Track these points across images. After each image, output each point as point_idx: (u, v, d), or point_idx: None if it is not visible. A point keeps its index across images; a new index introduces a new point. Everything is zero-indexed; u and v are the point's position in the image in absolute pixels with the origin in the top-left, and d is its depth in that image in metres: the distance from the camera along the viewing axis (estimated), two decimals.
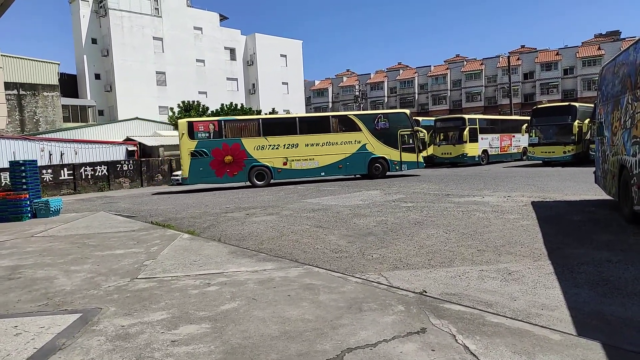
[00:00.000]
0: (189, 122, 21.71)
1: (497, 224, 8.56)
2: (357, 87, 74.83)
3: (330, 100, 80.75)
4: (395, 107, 75.00)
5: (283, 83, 58.99)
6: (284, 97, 57.99)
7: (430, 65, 75.04)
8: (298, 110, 53.72)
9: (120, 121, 39.36)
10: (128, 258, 7.04)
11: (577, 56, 62.04)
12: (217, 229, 9.88)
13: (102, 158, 29.99)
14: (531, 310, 4.16)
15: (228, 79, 54.92)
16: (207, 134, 21.43)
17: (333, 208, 12.13)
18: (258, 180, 21.81)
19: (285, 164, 21.91)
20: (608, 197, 10.22)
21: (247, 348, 3.50)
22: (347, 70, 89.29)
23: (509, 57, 47.30)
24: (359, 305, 4.37)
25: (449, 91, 71.59)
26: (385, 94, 76.35)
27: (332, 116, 24.05)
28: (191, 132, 21.23)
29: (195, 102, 41.48)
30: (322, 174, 22.39)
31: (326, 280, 5.29)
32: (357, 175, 23.51)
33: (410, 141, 22.88)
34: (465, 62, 72.92)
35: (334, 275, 5.53)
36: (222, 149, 21.34)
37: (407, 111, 24.48)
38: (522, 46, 74.08)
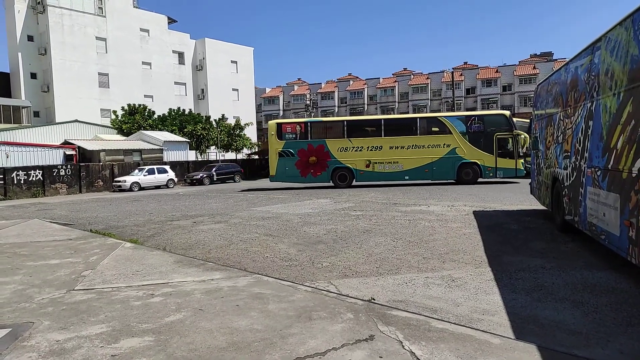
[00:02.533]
0: (278, 123, 22.65)
1: (442, 232, 8.87)
2: (308, 95, 75.34)
3: (281, 108, 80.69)
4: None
5: (233, 89, 58.26)
6: (234, 104, 57.25)
7: (379, 78, 76.96)
8: (248, 117, 53.14)
9: (58, 123, 37.26)
10: (64, 268, 6.63)
11: (515, 74, 65.90)
12: (162, 237, 9.54)
13: (37, 162, 28.19)
14: (473, 316, 4.33)
15: (176, 83, 53.51)
16: (293, 135, 22.12)
17: (283, 216, 12.08)
18: (340, 182, 21.95)
19: (368, 166, 21.77)
20: (543, 207, 10.87)
21: None
22: (299, 79, 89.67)
23: (452, 72, 49.44)
24: (309, 314, 4.36)
25: (397, 103, 73.66)
26: (336, 104, 77.37)
27: (420, 118, 22.88)
28: (280, 133, 22.17)
29: (141, 106, 40.08)
30: (407, 177, 21.74)
31: (276, 289, 5.24)
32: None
33: (509, 146, 21.37)
34: (412, 76, 75.42)
35: (284, 284, 5.49)
36: (307, 150, 21.88)
37: (507, 113, 22.61)
38: (465, 62, 77.69)
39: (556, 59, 65.78)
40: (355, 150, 21.73)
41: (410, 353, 3.44)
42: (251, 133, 51.06)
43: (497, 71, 68.12)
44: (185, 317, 4.35)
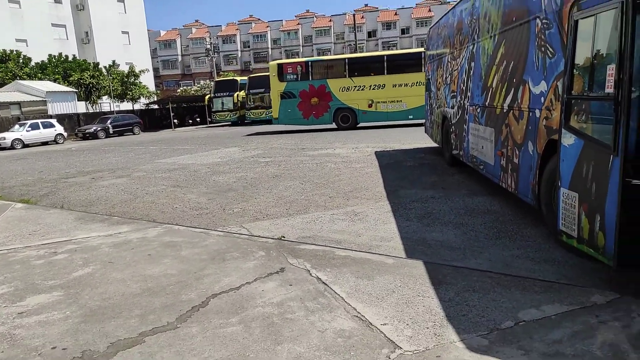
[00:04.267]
0: (278, 64, 21.69)
1: (346, 172, 9.40)
2: (208, 39, 71.30)
3: (179, 52, 75.73)
4: (249, 62, 73.88)
5: (123, 32, 53.06)
6: (125, 48, 52.36)
7: (282, 20, 74.97)
8: (142, 63, 49.16)
9: None
10: None
11: (412, 17, 68.07)
12: (58, 196, 8.94)
13: None
14: (372, 243, 4.83)
15: (54, 25, 47.23)
16: (294, 76, 21.07)
17: (190, 167, 11.85)
18: (343, 123, 20.95)
19: (370, 105, 20.65)
20: (435, 145, 11.89)
21: (108, 308, 3.45)
22: (196, 21, 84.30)
23: (354, 15, 49.78)
24: (222, 256, 4.55)
25: (301, 47, 72.79)
26: (239, 48, 74.44)
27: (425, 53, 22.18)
28: (280, 74, 21.21)
29: (14, 52, 35.18)
30: (410, 117, 20.44)
31: (188, 237, 5.33)
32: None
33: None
34: (315, 18, 74.54)
35: (196, 231, 5.58)
36: (309, 91, 20.84)
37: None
38: (366, 5, 78.34)
39: (449, 1, 68.86)
40: (358, 90, 20.87)
41: (317, 279, 3.82)
42: (148, 81, 47.64)
43: (396, 14, 69.75)
44: (94, 271, 4.31)
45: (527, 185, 5.04)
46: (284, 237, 5.20)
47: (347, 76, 21.16)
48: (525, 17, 5.06)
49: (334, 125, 21.79)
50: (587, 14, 3.43)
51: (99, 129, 28.98)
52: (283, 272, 4.03)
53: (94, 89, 36.17)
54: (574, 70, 3.68)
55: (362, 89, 20.93)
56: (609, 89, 3.16)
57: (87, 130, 28.78)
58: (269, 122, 32.34)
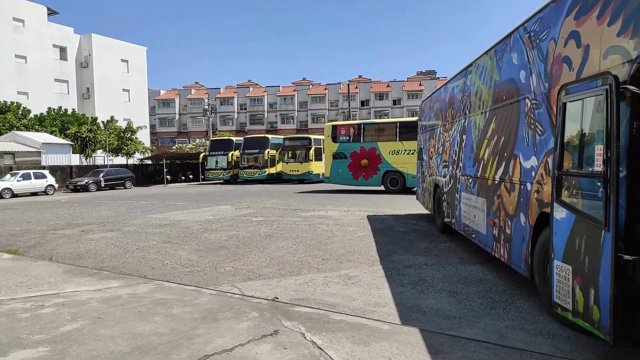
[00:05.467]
0: (333, 125, 22.53)
1: (339, 235, 9.43)
2: (206, 100, 73.47)
3: (177, 112, 77.59)
4: (245, 124, 75.72)
5: (124, 90, 54.63)
6: (124, 105, 53.68)
7: (279, 86, 77.90)
8: (140, 120, 50.14)
9: None
10: None
11: (403, 89, 71.22)
12: (46, 247, 8.79)
13: None
14: (367, 308, 4.79)
15: (57, 80, 48.61)
16: (347, 137, 21.63)
17: (182, 223, 11.80)
18: (392, 186, 21.04)
19: None
20: (426, 212, 12.05)
21: None
22: (196, 83, 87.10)
23: (348, 85, 52.01)
24: (214, 315, 4.47)
25: (296, 111, 75.14)
26: (236, 110, 76.57)
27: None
28: (334, 135, 22.26)
29: (14, 103, 35.80)
30: None
31: (179, 294, 5.23)
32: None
33: None
34: (311, 86, 77.60)
35: (187, 289, 5.49)
36: (360, 153, 21.35)
37: None
38: (360, 76, 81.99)
39: (438, 77, 72.45)
40: (407, 154, 20.82)
41: (312, 342, 3.75)
42: (144, 137, 48.35)
43: (388, 85, 73.00)
44: (82, 326, 4.18)
45: (520, 255, 5.12)
46: (277, 298, 5.13)
47: (397, 139, 21.34)
48: (515, 97, 5.40)
49: (382, 188, 21.98)
50: (575, 97, 3.70)
51: (90, 181, 28.92)
52: (277, 334, 3.95)
53: (90, 142, 36.56)
54: (564, 148, 3.90)
55: (411, 153, 20.59)
56: (598, 167, 3.34)
57: (78, 183, 28.70)
58: (260, 181, 32.84)
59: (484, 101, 6.62)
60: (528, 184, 4.90)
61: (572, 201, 3.79)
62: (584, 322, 3.56)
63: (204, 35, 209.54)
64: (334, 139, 22.56)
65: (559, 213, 3.89)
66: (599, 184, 3.32)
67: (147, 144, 49.73)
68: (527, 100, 5.02)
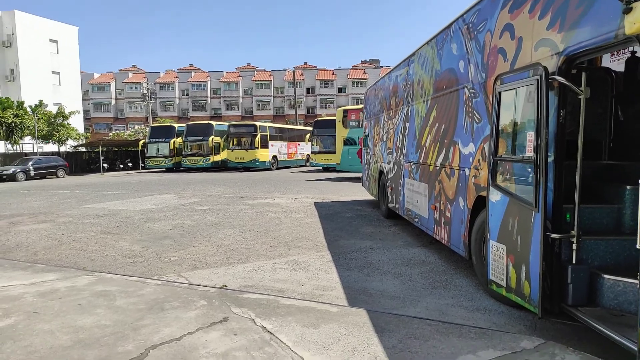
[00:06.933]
0: (344, 110, 21.38)
1: (287, 222, 9.47)
2: (145, 84, 70.29)
3: (113, 96, 73.67)
4: (187, 110, 73.34)
5: (54, 72, 50.97)
6: (54, 89, 50.15)
7: (222, 71, 75.97)
8: (73, 105, 47.10)
9: None
10: None
11: (348, 77, 71.87)
12: None
13: None
14: (316, 292, 4.88)
15: None
16: (357, 122, 20.46)
17: (122, 213, 11.33)
18: None
19: None
20: (372, 198, 12.35)
21: None
22: (134, 66, 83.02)
23: (294, 71, 51.64)
24: (161, 305, 4.37)
25: (241, 98, 73.74)
26: (177, 95, 73.91)
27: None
28: (345, 120, 21.31)
29: None
30: None
31: (122, 286, 5.06)
32: None
33: None
34: (255, 72, 76.36)
35: (131, 280, 5.32)
36: None
37: None
38: (305, 63, 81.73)
39: (382, 66, 73.77)
40: None
41: (262, 328, 3.78)
42: (77, 123, 45.54)
43: (333, 73, 73.34)
44: (17, 322, 3.95)
45: (459, 237, 5.41)
46: (225, 285, 5.10)
47: None
48: (454, 86, 5.64)
49: None
50: (509, 87, 3.94)
51: (18, 170, 26.93)
52: (227, 321, 3.95)
53: (17, 128, 33.92)
54: (499, 135, 4.15)
55: None
56: (529, 153, 3.60)
57: (4, 172, 26.62)
58: (204, 169, 32.08)
59: (425, 90, 6.85)
60: (466, 169, 5.17)
61: (506, 185, 4.05)
62: (516, 297, 3.85)
63: (141, 17, 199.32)
64: (344, 124, 21.85)
65: (494, 196, 4.15)
66: (530, 169, 3.57)
67: (81, 130, 46.88)
68: (465, 90, 5.26)
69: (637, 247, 2.64)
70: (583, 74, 3.39)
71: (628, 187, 3.66)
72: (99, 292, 4.81)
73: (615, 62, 5.03)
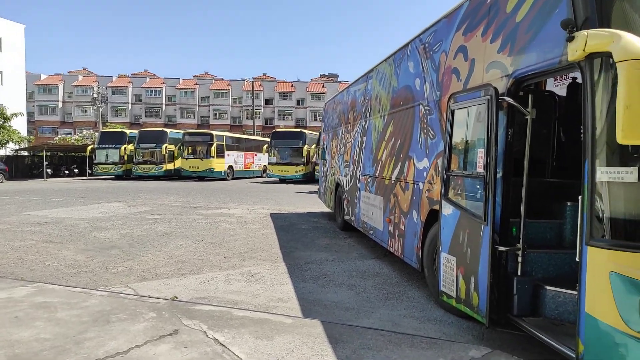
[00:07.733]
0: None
1: (242, 233, 9.33)
2: (95, 88, 67.62)
3: (60, 99, 70.33)
4: (140, 116, 71.12)
5: None
6: None
7: (179, 78, 74.45)
8: (16, 106, 44.47)
9: None
10: None
11: (307, 90, 72.41)
12: None
13: None
14: (270, 304, 4.83)
15: None
16: None
17: (66, 221, 10.77)
18: None
19: None
20: (328, 210, 12.42)
21: None
22: (84, 69, 79.78)
23: (252, 82, 51.39)
24: (107, 318, 4.17)
25: (197, 106, 72.42)
26: (130, 101, 71.58)
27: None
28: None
29: None
30: None
31: (64, 297, 4.79)
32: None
33: None
34: (213, 80, 75.38)
35: (74, 291, 5.05)
36: None
37: None
38: (264, 74, 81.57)
39: (340, 81, 74.91)
40: None
41: (214, 340, 3.69)
42: (20, 125, 43.02)
43: (292, 85, 73.68)
44: None
45: (412, 250, 5.53)
46: (176, 297, 4.95)
47: None
48: (410, 103, 5.82)
49: None
50: (462, 105, 4.11)
51: None
52: (177, 333, 3.82)
53: None
54: (452, 151, 4.31)
55: None
56: (480, 169, 3.76)
57: None
58: (157, 177, 31.14)
59: (383, 105, 7.02)
60: (420, 184, 5.32)
61: (457, 199, 4.20)
62: (465, 308, 3.98)
63: (95, 20, 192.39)
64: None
65: (447, 210, 4.29)
66: (480, 184, 3.73)
67: (24, 133, 44.27)
68: (421, 107, 5.44)
69: (577, 259, 2.81)
70: (530, 96, 3.60)
71: (569, 203, 3.89)
72: (38, 304, 4.52)
73: (557, 87, 5.38)
